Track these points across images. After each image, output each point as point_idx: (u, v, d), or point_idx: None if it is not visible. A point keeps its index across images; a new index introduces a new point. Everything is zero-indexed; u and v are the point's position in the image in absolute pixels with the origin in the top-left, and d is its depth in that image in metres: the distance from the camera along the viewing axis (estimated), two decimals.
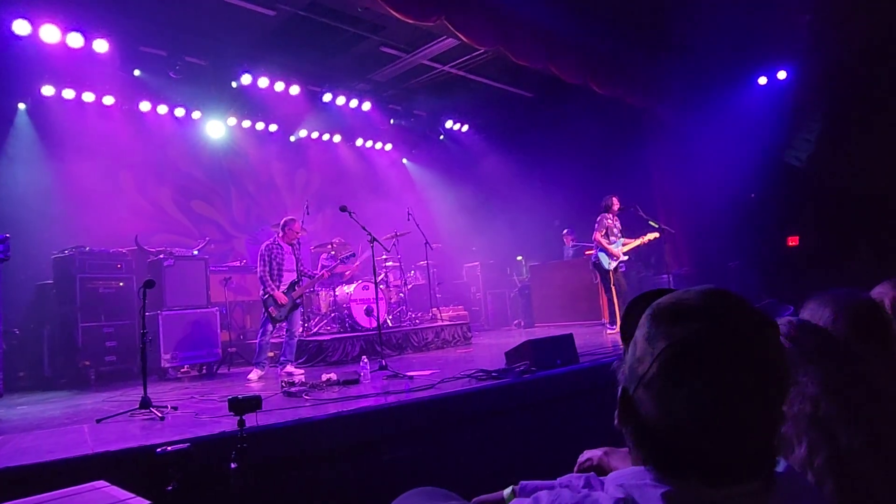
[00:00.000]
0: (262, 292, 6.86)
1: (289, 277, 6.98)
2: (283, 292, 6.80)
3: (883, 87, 8.89)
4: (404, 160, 14.14)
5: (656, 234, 8.54)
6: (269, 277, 6.79)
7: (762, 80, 10.45)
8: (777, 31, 9.51)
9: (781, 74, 10.26)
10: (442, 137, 13.06)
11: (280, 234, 7.01)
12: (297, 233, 7.10)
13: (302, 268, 7.16)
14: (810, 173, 9.71)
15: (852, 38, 8.95)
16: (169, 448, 3.13)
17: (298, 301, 7.06)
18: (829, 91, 9.41)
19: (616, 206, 8.50)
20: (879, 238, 8.85)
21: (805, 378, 1.19)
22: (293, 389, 5.02)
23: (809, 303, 1.65)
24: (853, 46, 9.01)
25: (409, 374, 5.73)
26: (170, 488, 3.03)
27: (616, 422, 0.95)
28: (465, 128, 13.13)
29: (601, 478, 0.94)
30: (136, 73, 8.82)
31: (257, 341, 6.90)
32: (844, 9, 8.69)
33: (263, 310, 6.85)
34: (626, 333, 1.01)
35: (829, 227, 9.51)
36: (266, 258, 6.85)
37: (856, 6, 8.60)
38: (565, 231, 11.63)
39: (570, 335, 5.49)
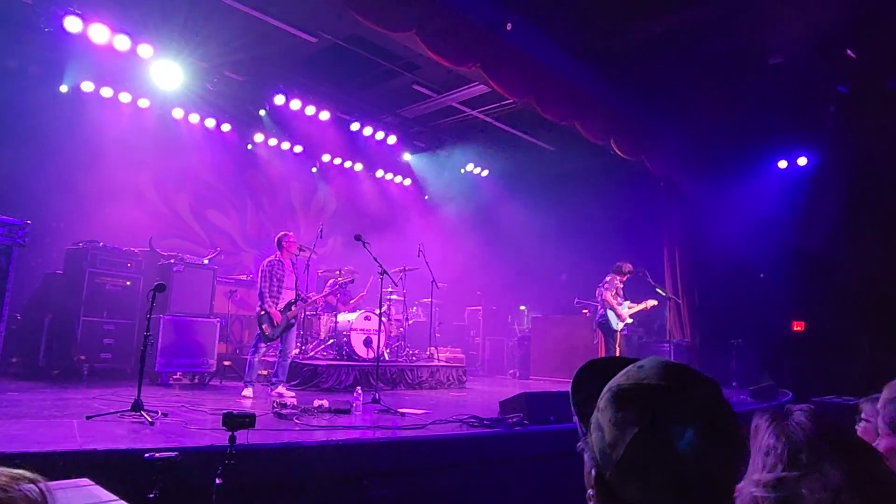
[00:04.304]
0: (258, 309, 6.85)
1: (287, 296, 6.95)
2: (279, 311, 6.79)
3: None
4: (426, 196, 14.22)
5: (655, 302, 8.68)
6: (268, 294, 6.77)
7: (782, 164, 10.57)
8: (801, 118, 9.68)
9: (802, 160, 10.38)
10: (463, 171, 13.21)
11: (278, 251, 7.03)
12: (295, 245, 7.11)
13: (300, 289, 7.16)
14: (823, 262, 9.72)
15: (874, 133, 9.09)
16: (157, 454, 3.12)
17: (293, 321, 7.02)
18: (849, 182, 9.51)
19: (628, 273, 8.58)
20: (883, 333, 8.81)
21: (829, 467, 1.21)
22: (284, 411, 5.00)
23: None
24: (875, 141, 9.14)
25: (401, 410, 5.70)
26: (151, 496, 3.01)
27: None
28: (486, 172, 13.31)
29: None
30: (175, 81, 8.98)
31: (249, 359, 6.86)
32: (868, 105, 8.86)
33: (257, 327, 6.83)
34: (582, 411, 1.03)
35: (836, 317, 9.47)
36: (267, 274, 6.84)
37: (878, 104, 8.77)
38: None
39: (568, 392, 5.45)
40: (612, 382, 0.97)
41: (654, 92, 9.49)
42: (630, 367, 0.98)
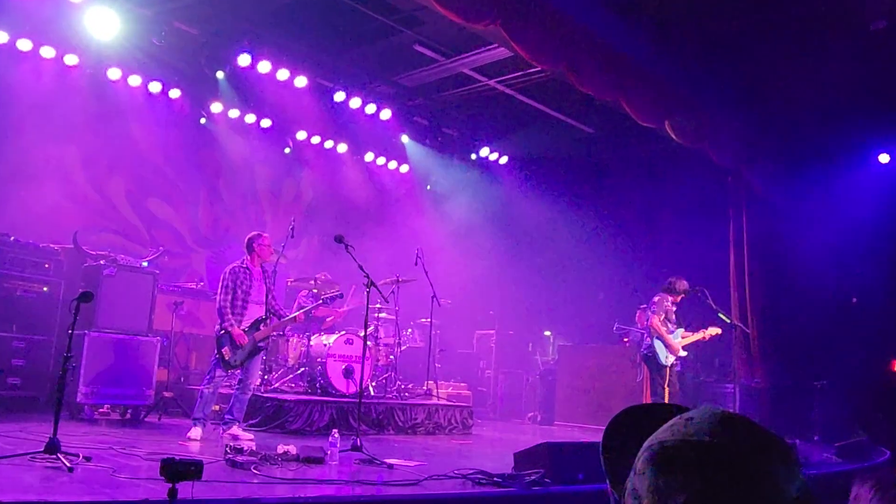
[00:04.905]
0: (217, 327, 6.89)
1: (255, 312, 7.00)
2: (243, 330, 6.82)
3: None
4: (428, 187, 14.19)
5: (719, 331, 8.64)
6: (229, 309, 6.82)
7: (883, 158, 10.56)
8: None
9: None
10: (475, 157, 13.21)
11: (247, 256, 7.07)
12: (269, 249, 7.15)
13: (273, 303, 7.20)
14: None
15: None
16: None
17: (261, 345, 7.06)
18: None
19: (683, 292, 8.53)
20: None
21: None
22: (239, 459, 5.01)
23: None
24: None
25: (388, 461, 5.71)
26: None
27: None
28: (504, 159, 13.32)
29: None
30: (111, 33, 9.01)
31: (201, 389, 6.90)
32: None
33: (215, 350, 6.86)
34: (615, 473, 1.04)
35: None
36: (229, 285, 6.89)
37: None
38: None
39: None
40: (654, 438, 0.97)
41: (720, 63, 9.48)
42: (677, 418, 0.98)
